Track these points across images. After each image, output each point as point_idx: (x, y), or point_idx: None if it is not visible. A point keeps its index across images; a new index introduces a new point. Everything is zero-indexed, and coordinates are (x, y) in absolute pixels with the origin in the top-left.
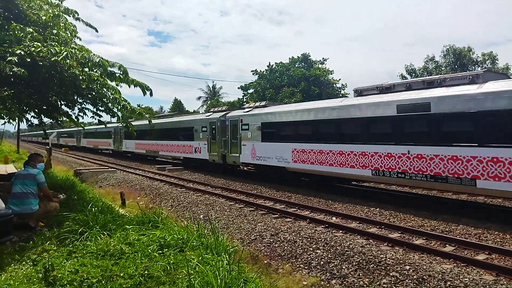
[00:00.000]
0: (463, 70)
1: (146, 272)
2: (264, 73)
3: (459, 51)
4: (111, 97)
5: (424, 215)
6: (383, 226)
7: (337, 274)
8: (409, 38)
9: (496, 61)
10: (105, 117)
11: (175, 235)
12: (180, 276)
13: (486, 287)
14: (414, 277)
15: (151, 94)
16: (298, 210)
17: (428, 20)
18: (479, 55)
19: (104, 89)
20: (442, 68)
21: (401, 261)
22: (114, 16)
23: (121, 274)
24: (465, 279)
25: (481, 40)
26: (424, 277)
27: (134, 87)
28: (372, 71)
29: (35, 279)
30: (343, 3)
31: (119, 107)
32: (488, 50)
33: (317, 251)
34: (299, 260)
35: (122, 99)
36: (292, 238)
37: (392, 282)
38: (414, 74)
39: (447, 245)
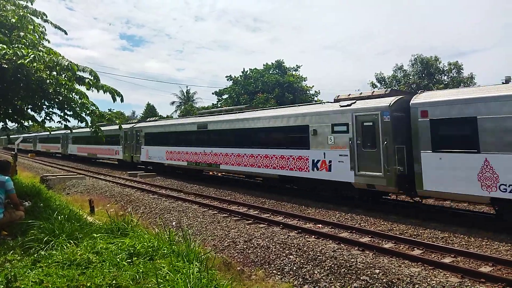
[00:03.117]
0: (430, 79)
1: (114, 281)
2: (239, 79)
3: (426, 60)
4: (79, 102)
5: (393, 219)
6: (354, 231)
7: (310, 279)
8: (382, 47)
9: (462, 71)
10: (73, 122)
11: (145, 243)
12: (150, 285)
13: None
14: (384, 280)
15: (122, 100)
16: (272, 216)
17: (401, 30)
18: (446, 64)
19: (72, 93)
20: (410, 77)
21: (371, 265)
22: (86, 19)
23: (88, 284)
24: (432, 281)
25: (449, 49)
26: (393, 280)
27: (104, 92)
28: (346, 79)
29: None
30: (320, 11)
31: (88, 112)
32: (454, 60)
33: (290, 256)
34: (272, 266)
35: (91, 103)
36: (265, 244)
37: (363, 286)
38: (383, 82)
39: (415, 248)
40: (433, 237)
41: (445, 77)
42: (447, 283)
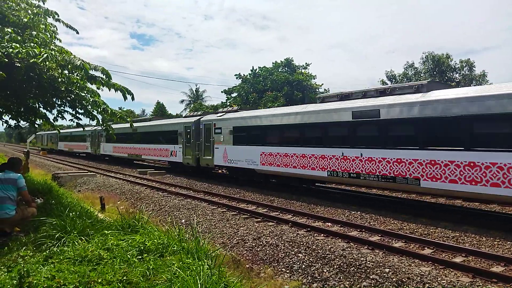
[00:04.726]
0: (441, 77)
1: (124, 278)
2: (248, 77)
3: (437, 58)
4: (90, 100)
5: (403, 218)
6: (363, 229)
7: (319, 277)
8: (388, 47)
9: (473, 68)
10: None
11: (155, 240)
12: (160, 282)
13: None
14: (394, 279)
15: (132, 98)
16: (281, 214)
17: (407, 29)
18: (457, 62)
19: (83, 92)
20: (421, 75)
21: (381, 264)
22: (96, 19)
23: (99, 280)
24: (442, 281)
25: (460, 48)
26: (403, 279)
27: (115, 91)
28: (353, 78)
29: (9, 286)
30: (324, 11)
31: (99, 110)
32: (466, 57)
33: (299, 254)
34: (281, 264)
35: (102, 102)
36: (274, 242)
37: (372, 284)
38: (394, 80)
39: (426, 247)
40: (444, 236)
41: (457, 75)
42: (458, 282)
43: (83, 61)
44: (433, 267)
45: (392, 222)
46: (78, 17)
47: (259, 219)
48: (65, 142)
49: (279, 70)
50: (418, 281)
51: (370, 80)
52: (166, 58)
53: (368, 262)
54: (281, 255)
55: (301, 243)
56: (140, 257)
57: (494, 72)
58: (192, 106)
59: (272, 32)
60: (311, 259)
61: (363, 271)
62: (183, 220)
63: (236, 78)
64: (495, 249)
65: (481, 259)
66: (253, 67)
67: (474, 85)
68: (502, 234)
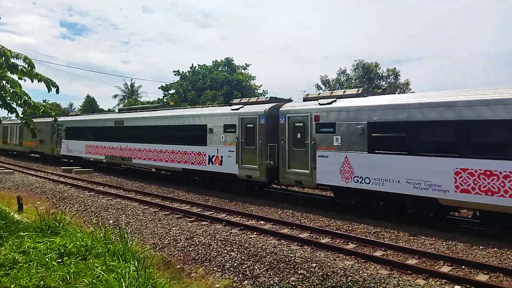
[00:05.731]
0: (370, 83)
1: (41, 282)
2: (187, 74)
3: (367, 66)
4: (10, 91)
5: (331, 216)
6: (294, 227)
7: (249, 275)
8: (328, 52)
9: (399, 77)
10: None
11: (78, 242)
12: (81, 286)
13: (381, 281)
14: (320, 273)
15: (57, 91)
16: (215, 213)
17: (347, 36)
18: (385, 70)
19: (2, 82)
20: (352, 81)
21: (308, 259)
22: (23, 4)
23: (12, 286)
24: (364, 274)
25: (389, 57)
26: (328, 273)
27: (38, 82)
28: (294, 80)
29: None
30: (270, 14)
31: (19, 102)
32: (393, 67)
33: (231, 253)
34: (213, 263)
35: (23, 93)
36: (207, 241)
37: (300, 279)
38: (328, 85)
39: (350, 243)
40: (366, 232)
41: (383, 83)
42: (377, 275)
43: (3, 47)
44: (355, 261)
45: (321, 219)
46: (2, 0)
47: (193, 219)
48: (95, 142)
49: (219, 69)
50: (341, 275)
51: (307, 83)
52: (99, 50)
53: (297, 258)
54: (214, 254)
55: (234, 241)
56: (60, 260)
57: (419, 80)
58: (126, 101)
59: (215, 31)
60: (243, 257)
61: (292, 266)
62: (110, 221)
63: (175, 74)
64: (411, 243)
65: (398, 252)
66: (192, 65)
67: (399, 93)
68: (417, 229)
